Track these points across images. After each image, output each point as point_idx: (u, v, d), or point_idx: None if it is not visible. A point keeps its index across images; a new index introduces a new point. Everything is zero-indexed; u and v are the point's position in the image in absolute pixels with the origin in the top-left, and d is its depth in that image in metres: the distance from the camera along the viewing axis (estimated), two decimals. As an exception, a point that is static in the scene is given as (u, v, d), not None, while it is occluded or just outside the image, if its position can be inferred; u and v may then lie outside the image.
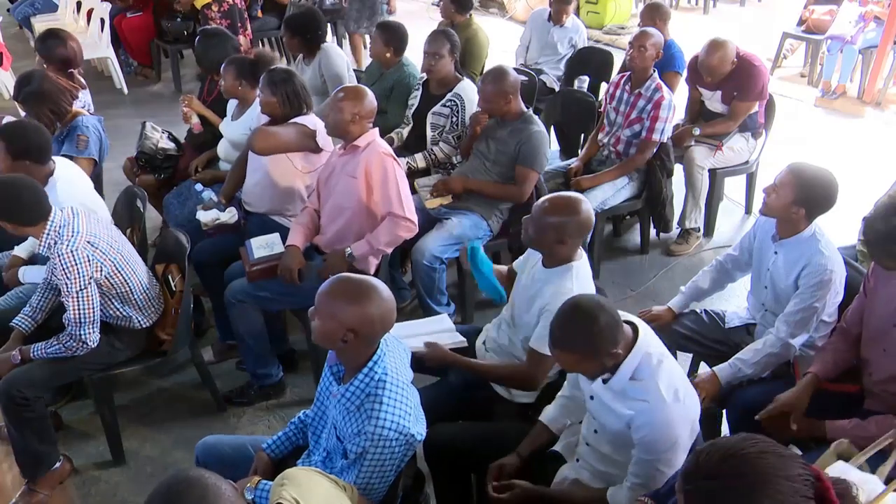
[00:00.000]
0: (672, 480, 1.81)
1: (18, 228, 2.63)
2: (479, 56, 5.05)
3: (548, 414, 2.34)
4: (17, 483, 2.90)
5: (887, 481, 1.82)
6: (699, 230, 4.44)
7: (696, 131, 4.25)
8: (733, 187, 4.72)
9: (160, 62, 7.32)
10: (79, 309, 2.62)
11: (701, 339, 2.87)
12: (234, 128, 3.83)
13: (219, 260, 3.39)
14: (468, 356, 2.63)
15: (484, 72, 4.05)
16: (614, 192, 3.95)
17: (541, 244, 2.43)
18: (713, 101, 4.33)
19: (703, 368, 2.90)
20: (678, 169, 4.21)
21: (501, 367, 2.57)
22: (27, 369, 2.72)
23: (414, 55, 4.36)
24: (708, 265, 3.01)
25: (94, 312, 2.66)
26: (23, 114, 3.74)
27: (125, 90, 7.03)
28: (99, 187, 3.58)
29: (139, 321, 2.89)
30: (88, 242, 2.63)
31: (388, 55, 4.27)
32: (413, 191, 3.28)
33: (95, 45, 6.88)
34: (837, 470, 1.86)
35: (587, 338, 1.93)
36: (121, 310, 2.82)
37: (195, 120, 4.11)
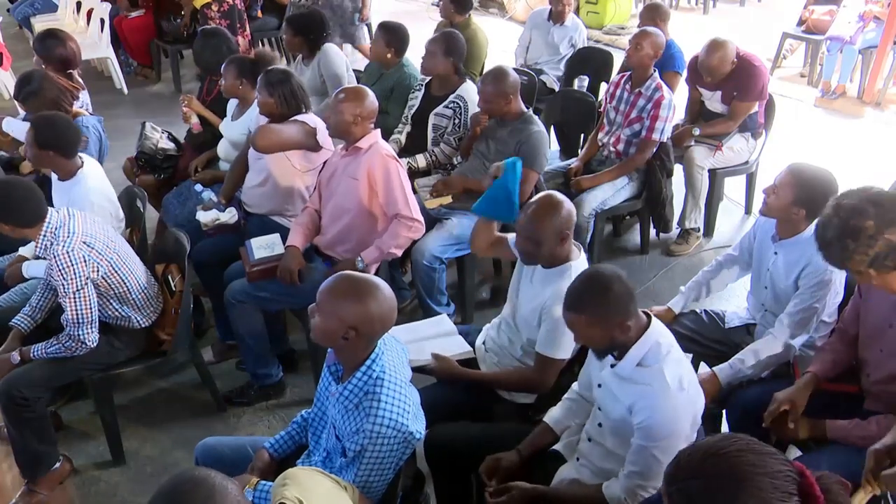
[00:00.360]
0: None
1: (16, 230, 2.63)
2: (479, 56, 5.05)
3: (552, 415, 2.34)
4: (17, 483, 2.90)
5: None
6: (699, 230, 4.44)
7: (696, 131, 4.25)
8: (733, 187, 4.72)
9: (160, 62, 7.33)
10: (76, 309, 2.63)
11: (701, 339, 2.87)
12: (234, 128, 3.83)
13: (219, 260, 3.39)
14: (471, 361, 2.64)
15: (483, 72, 4.06)
16: (614, 192, 3.95)
17: (543, 252, 2.41)
18: (713, 101, 4.33)
19: (703, 368, 2.90)
20: (678, 169, 4.21)
21: (509, 375, 2.57)
22: (27, 369, 2.72)
23: (414, 56, 4.37)
24: (708, 265, 3.01)
25: (91, 313, 2.66)
26: (22, 113, 3.75)
27: (125, 90, 7.03)
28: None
29: (138, 321, 2.89)
30: (84, 243, 2.63)
31: (388, 56, 4.27)
32: (413, 191, 3.28)
33: (95, 45, 6.89)
34: None
35: (600, 302, 1.96)
36: (119, 310, 2.82)
37: (195, 120, 4.11)
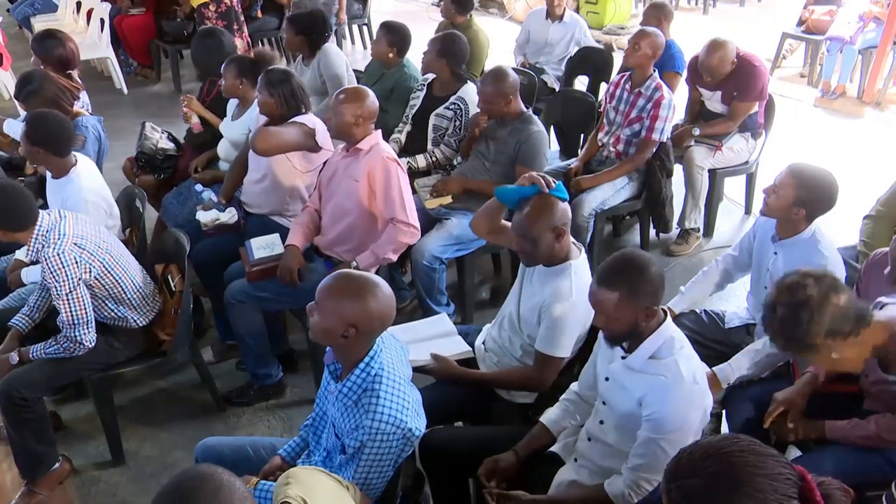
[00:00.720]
0: None
1: (8, 235, 2.64)
2: (480, 57, 5.04)
3: (549, 415, 2.34)
4: (17, 484, 2.90)
5: None
6: (699, 230, 4.44)
7: (696, 131, 4.25)
8: (733, 187, 4.72)
9: (160, 62, 7.33)
10: (71, 311, 2.63)
11: (701, 339, 2.86)
12: (234, 128, 3.83)
13: (218, 260, 3.39)
14: (470, 361, 2.64)
15: (484, 73, 4.06)
16: (614, 192, 3.95)
17: (541, 250, 2.40)
18: (713, 101, 4.33)
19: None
20: (678, 169, 4.21)
21: (509, 374, 2.57)
22: (27, 370, 2.73)
23: (414, 56, 4.37)
24: (707, 265, 3.01)
25: (86, 313, 2.66)
26: (23, 113, 3.75)
27: (125, 90, 7.03)
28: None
29: (135, 320, 2.89)
30: (75, 244, 2.63)
31: (390, 55, 4.28)
32: (413, 191, 3.28)
33: (95, 45, 6.89)
34: None
35: (635, 280, 1.96)
36: (115, 310, 2.82)
37: (195, 120, 4.11)
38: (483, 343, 2.73)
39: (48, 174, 3.16)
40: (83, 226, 2.73)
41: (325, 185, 3.23)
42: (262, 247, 3.18)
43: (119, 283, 2.78)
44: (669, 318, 2.07)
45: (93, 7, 7.04)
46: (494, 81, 3.46)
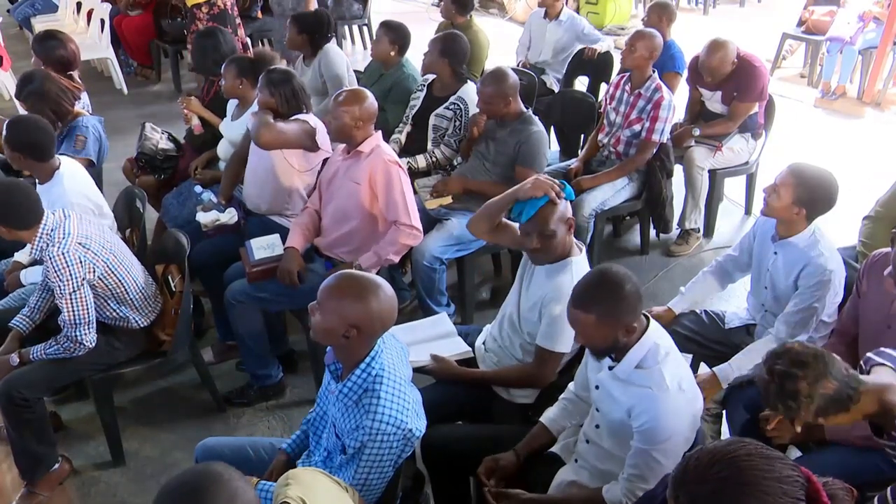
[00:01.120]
0: (666, 480, 1.81)
1: (12, 232, 2.64)
2: (480, 57, 5.05)
3: (548, 415, 2.34)
4: (17, 484, 2.90)
5: None
6: (699, 231, 4.44)
7: (696, 131, 4.25)
8: (733, 188, 4.72)
9: (160, 62, 7.33)
10: (73, 310, 2.63)
11: (701, 339, 2.87)
12: (234, 128, 3.83)
13: (218, 261, 3.38)
14: (470, 361, 2.64)
15: (484, 73, 4.06)
16: (614, 192, 3.95)
17: (556, 242, 2.40)
18: (713, 101, 4.33)
19: (703, 368, 2.90)
20: (678, 169, 4.21)
21: (508, 372, 2.57)
22: (27, 371, 2.72)
23: (414, 56, 4.37)
24: (708, 266, 3.01)
25: (88, 313, 2.66)
26: (23, 113, 3.75)
27: (125, 90, 7.04)
28: (98, 188, 3.58)
29: (137, 321, 2.89)
30: (80, 244, 2.63)
31: (392, 54, 4.28)
32: (413, 191, 3.28)
33: (95, 45, 6.89)
34: None
35: (611, 301, 1.94)
36: (117, 310, 2.82)
37: (195, 121, 4.11)
38: (483, 343, 2.73)
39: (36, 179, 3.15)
40: (87, 225, 2.73)
41: (326, 186, 3.23)
42: (263, 247, 3.18)
43: (122, 284, 2.78)
44: (653, 324, 2.05)
45: (93, 7, 7.05)
46: (494, 82, 3.46)
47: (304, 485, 1.72)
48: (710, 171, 4.27)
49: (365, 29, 7.99)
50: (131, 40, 7.17)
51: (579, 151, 4.38)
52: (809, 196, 2.51)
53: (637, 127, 3.90)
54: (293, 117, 3.30)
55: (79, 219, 2.72)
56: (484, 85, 3.50)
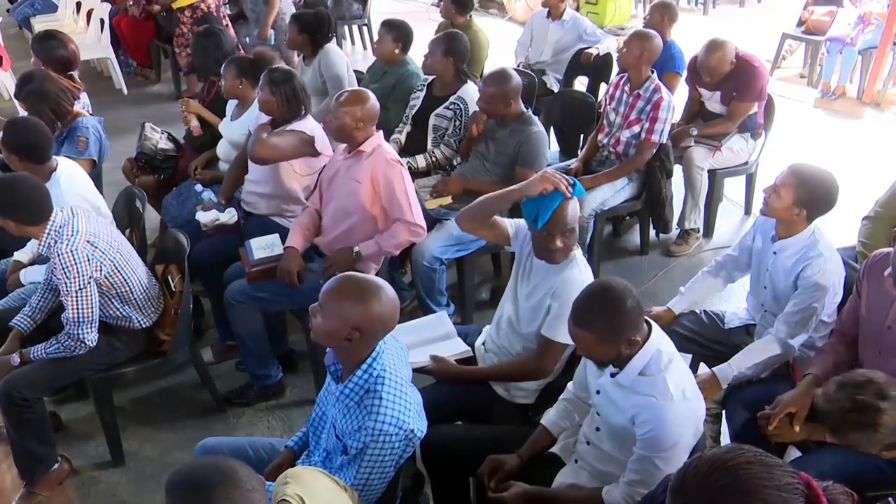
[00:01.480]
0: (667, 481, 1.81)
1: (20, 227, 2.63)
2: (480, 57, 5.05)
3: (549, 417, 2.34)
4: (17, 484, 2.89)
5: None
6: (699, 231, 4.45)
7: (694, 131, 4.25)
8: (733, 188, 4.72)
9: (160, 62, 7.33)
10: (78, 308, 2.63)
11: (700, 339, 2.87)
12: (234, 128, 3.83)
13: (218, 261, 3.38)
14: (470, 360, 2.65)
15: (484, 73, 4.06)
16: (614, 192, 3.95)
17: (576, 238, 2.43)
18: (712, 101, 4.33)
19: (703, 369, 2.90)
20: (678, 170, 4.21)
21: (509, 366, 2.58)
22: (27, 370, 2.72)
23: (415, 56, 4.37)
24: (707, 266, 3.01)
25: (92, 312, 2.66)
26: (23, 114, 3.74)
27: (125, 90, 7.04)
28: (98, 188, 3.57)
29: (139, 321, 2.89)
30: (88, 242, 2.64)
31: (396, 51, 4.29)
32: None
33: (95, 45, 6.89)
34: None
35: (613, 319, 1.92)
36: (121, 309, 2.82)
37: (195, 122, 4.11)
38: (483, 344, 2.73)
39: None
40: (95, 224, 2.73)
41: (327, 185, 3.23)
42: (262, 247, 3.18)
43: (127, 283, 2.78)
44: (655, 330, 2.04)
45: (93, 7, 7.05)
46: (497, 83, 3.46)
47: (303, 483, 1.72)
48: (709, 172, 4.27)
49: (365, 29, 8.00)
50: (131, 40, 7.17)
51: (579, 152, 4.38)
52: (810, 196, 2.50)
53: (636, 127, 3.90)
54: (290, 127, 3.29)
55: (87, 217, 2.72)
56: (486, 85, 3.51)
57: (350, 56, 6.75)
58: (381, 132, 3.16)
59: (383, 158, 3.05)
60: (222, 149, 3.93)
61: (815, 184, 2.51)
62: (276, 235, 3.24)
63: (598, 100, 4.69)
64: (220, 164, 3.97)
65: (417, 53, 4.20)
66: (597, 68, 5.19)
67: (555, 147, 4.69)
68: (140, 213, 3.33)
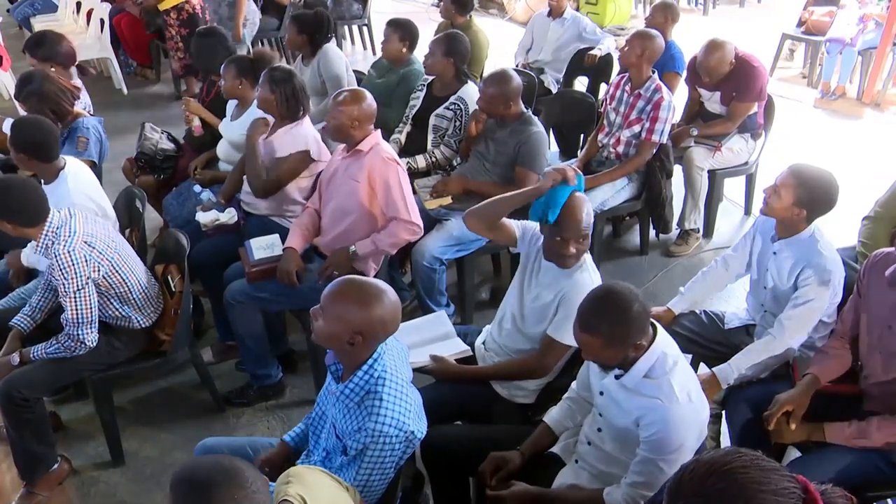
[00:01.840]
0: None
1: (17, 229, 2.63)
2: (480, 57, 5.05)
3: (551, 415, 2.34)
4: (17, 484, 2.90)
5: None
6: (699, 231, 4.44)
7: (694, 131, 4.25)
8: (733, 188, 4.72)
9: (160, 62, 7.32)
10: (76, 309, 2.63)
11: (700, 339, 2.87)
12: (234, 128, 3.83)
13: (218, 261, 3.38)
14: (470, 360, 2.64)
15: (484, 73, 4.06)
16: (614, 192, 3.95)
17: (586, 247, 2.44)
18: (712, 101, 4.33)
19: (703, 369, 2.90)
20: (678, 170, 4.21)
21: (509, 364, 2.58)
22: (27, 370, 2.72)
23: (417, 56, 4.37)
24: (707, 266, 3.01)
25: (91, 312, 2.66)
26: (23, 113, 3.74)
27: (125, 90, 7.03)
28: (99, 188, 3.59)
29: (138, 321, 2.89)
30: (85, 242, 2.64)
31: (403, 51, 4.29)
32: (413, 191, 3.28)
33: (95, 45, 6.88)
34: None
35: (619, 324, 1.92)
36: (120, 310, 2.82)
37: (196, 122, 4.11)
38: (483, 343, 2.73)
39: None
40: (93, 224, 2.73)
41: (326, 185, 3.23)
42: (262, 247, 3.18)
43: (126, 283, 2.78)
44: (660, 333, 2.03)
45: (93, 7, 7.04)
46: (498, 83, 3.46)
47: (304, 483, 1.72)
48: (709, 172, 4.27)
49: (365, 29, 7.99)
50: (131, 40, 7.16)
51: (579, 152, 4.38)
52: (810, 197, 2.50)
53: (637, 127, 3.90)
54: (286, 130, 3.29)
55: (84, 217, 2.72)
56: (486, 86, 3.51)
57: (350, 56, 6.75)
58: (378, 131, 3.16)
59: (380, 157, 3.05)
60: (222, 149, 3.93)
61: (815, 184, 2.51)
62: (276, 236, 3.25)
63: (598, 100, 4.69)
64: (220, 165, 3.97)
65: (418, 54, 4.20)
66: (597, 68, 5.19)
67: (555, 147, 4.69)
68: (140, 213, 3.34)
